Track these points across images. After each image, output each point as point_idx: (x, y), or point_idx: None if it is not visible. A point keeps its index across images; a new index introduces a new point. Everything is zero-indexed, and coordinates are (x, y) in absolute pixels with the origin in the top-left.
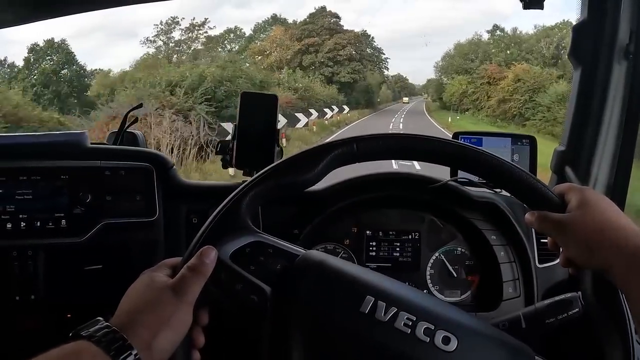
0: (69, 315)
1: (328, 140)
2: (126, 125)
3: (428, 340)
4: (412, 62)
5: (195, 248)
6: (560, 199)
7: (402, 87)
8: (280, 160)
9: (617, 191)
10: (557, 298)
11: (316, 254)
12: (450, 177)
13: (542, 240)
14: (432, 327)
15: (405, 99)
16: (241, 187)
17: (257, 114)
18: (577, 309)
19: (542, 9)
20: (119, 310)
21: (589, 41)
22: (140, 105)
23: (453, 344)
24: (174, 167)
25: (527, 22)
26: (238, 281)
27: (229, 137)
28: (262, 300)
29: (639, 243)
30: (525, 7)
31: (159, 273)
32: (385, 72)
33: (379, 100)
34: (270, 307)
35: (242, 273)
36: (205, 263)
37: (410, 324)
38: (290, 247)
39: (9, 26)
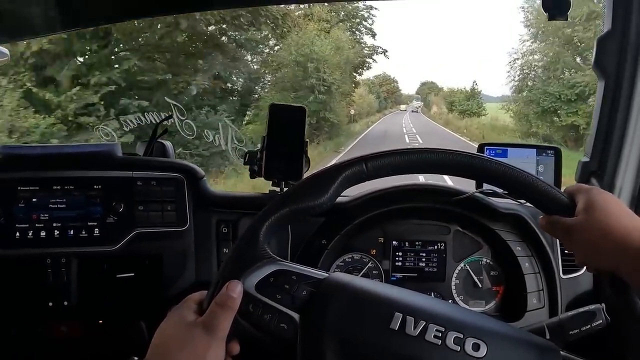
0: (100, 322)
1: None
2: (157, 136)
3: (459, 350)
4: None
5: (220, 282)
6: (570, 200)
7: (389, 92)
8: (292, 186)
9: None
10: (580, 310)
11: (340, 276)
12: (476, 188)
13: (566, 252)
14: (462, 336)
15: (402, 107)
16: (257, 217)
17: (286, 126)
18: (600, 321)
19: (567, 19)
20: (151, 349)
21: (613, 52)
22: (171, 116)
23: (483, 350)
24: (204, 177)
25: None
26: (266, 311)
27: (257, 148)
28: (292, 328)
29: None
30: (550, 18)
31: (187, 310)
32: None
33: (353, 113)
34: (301, 334)
35: (269, 303)
36: (233, 297)
37: (440, 335)
38: (313, 271)
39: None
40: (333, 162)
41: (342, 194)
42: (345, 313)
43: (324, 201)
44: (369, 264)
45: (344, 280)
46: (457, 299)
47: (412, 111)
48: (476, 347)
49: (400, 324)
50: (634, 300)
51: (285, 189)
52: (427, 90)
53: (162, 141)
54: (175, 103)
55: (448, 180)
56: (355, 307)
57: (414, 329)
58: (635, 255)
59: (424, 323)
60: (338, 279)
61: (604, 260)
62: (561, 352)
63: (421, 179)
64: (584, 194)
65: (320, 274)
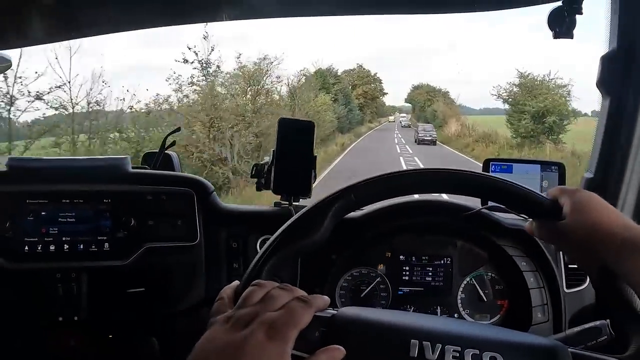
0: (110, 336)
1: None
2: (165, 147)
3: None
4: None
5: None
6: (554, 203)
7: (367, 97)
8: (284, 227)
9: None
10: (586, 326)
11: (348, 310)
12: (482, 204)
13: (570, 266)
14: (478, 352)
15: (391, 118)
16: (253, 263)
17: (295, 140)
18: (605, 336)
19: (572, 38)
20: None
21: (617, 71)
22: (179, 129)
23: None
24: (214, 192)
25: None
26: None
27: (264, 161)
28: None
29: (626, 234)
30: (556, 36)
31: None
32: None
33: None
34: None
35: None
36: (322, 297)
37: (458, 355)
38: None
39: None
40: None
41: None
42: (362, 349)
43: (318, 237)
44: (377, 279)
45: (353, 314)
46: (462, 312)
47: (404, 126)
48: None
49: (419, 351)
50: (622, 287)
51: (292, 206)
52: (426, 96)
53: (169, 152)
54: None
55: (444, 195)
56: (371, 341)
57: (432, 353)
58: (620, 248)
59: (441, 346)
60: (348, 314)
61: (594, 256)
62: (569, 349)
63: (428, 194)
64: (568, 196)
65: (328, 311)
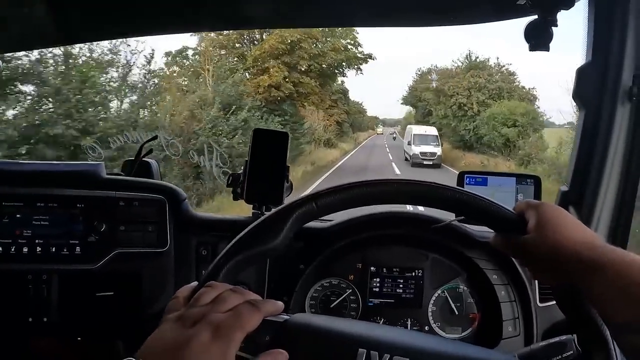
0: (79, 339)
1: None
2: (142, 155)
3: None
4: None
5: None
6: (520, 218)
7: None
8: (243, 232)
9: (620, 231)
10: (552, 340)
11: (300, 317)
12: (455, 217)
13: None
14: None
15: (380, 130)
16: (212, 266)
17: (268, 150)
18: (571, 352)
19: (548, 50)
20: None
21: (593, 83)
22: (156, 137)
23: None
24: (186, 199)
25: None
26: None
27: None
28: None
29: (589, 253)
30: (532, 49)
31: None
32: None
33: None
34: None
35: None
36: (274, 302)
37: None
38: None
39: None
40: None
41: (321, 219)
42: (309, 355)
43: (276, 244)
44: (348, 290)
45: (304, 320)
46: (433, 325)
47: (391, 134)
48: None
49: None
50: (584, 304)
51: (264, 213)
52: (431, 95)
53: (148, 160)
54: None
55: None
56: (319, 348)
57: None
58: (582, 266)
59: (388, 356)
60: (299, 320)
61: (558, 274)
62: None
63: (409, 207)
64: (533, 210)
65: (281, 317)
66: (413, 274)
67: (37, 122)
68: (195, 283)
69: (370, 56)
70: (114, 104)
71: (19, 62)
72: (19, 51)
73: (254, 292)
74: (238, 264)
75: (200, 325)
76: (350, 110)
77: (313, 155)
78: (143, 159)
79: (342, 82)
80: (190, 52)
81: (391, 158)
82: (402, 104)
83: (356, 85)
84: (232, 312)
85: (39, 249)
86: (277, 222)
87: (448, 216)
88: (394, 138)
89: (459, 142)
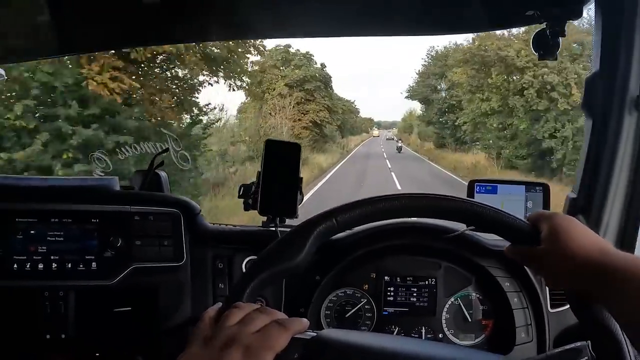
0: (97, 355)
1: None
2: (154, 167)
3: None
4: None
5: None
6: (533, 228)
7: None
8: (266, 250)
9: (627, 237)
10: (567, 347)
11: (327, 333)
12: (467, 226)
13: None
14: None
15: (375, 132)
16: (235, 287)
17: (281, 162)
18: (586, 357)
19: (556, 59)
20: None
21: (600, 93)
22: (167, 150)
23: None
24: (201, 212)
25: None
26: None
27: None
28: None
29: (602, 260)
30: (540, 58)
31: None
32: None
33: None
34: None
35: None
36: (300, 320)
37: None
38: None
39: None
40: None
41: None
42: None
43: (299, 261)
44: (362, 300)
45: (331, 337)
46: (447, 333)
47: (388, 139)
48: None
49: None
50: (599, 311)
51: (277, 229)
52: (469, 72)
53: (158, 172)
54: (170, 134)
55: None
56: None
57: None
58: (596, 273)
59: None
60: (326, 336)
61: (572, 281)
62: None
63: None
64: (546, 221)
65: (307, 333)
66: (426, 282)
67: None
68: (220, 304)
69: None
70: None
71: None
72: (19, 62)
73: (271, 305)
74: (262, 283)
75: (230, 347)
76: (334, 107)
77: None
78: (154, 170)
79: (323, 65)
80: None
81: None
82: (407, 97)
83: (345, 78)
84: (261, 333)
85: (54, 265)
86: (298, 239)
87: (460, 225)
88: (399, 148)
89: (531, 163)
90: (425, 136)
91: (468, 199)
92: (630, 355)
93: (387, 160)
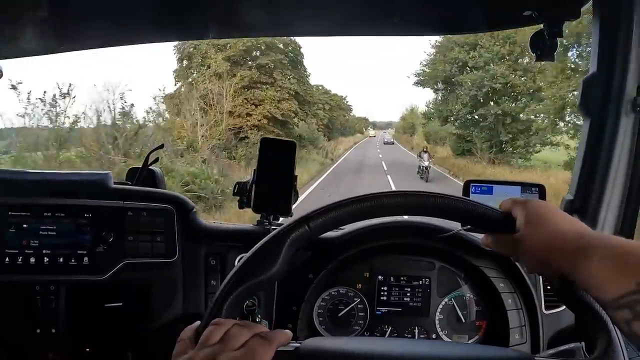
0: (87, 350)
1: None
2: (149, 164)
3: None
4: None
5: None
6: (507, 216)
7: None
8: (240, 264)
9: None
10: (560, 348)
11: (312, 343)
12: (461, 226)
13: (548, 287)
14: None
15: (372, 132)
16: (212, 304)
17: (276, 159)
18: (580, 358)
19: (553, 60)
20: None
21: (597, 94)
22: (162, 146)
23: None
24: (194, 209)
25: None
26: None
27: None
28: None
29: (580, 242)
30: (538, 59)
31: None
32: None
33: None
34: None
35: None
36: (283, 332)
37: None
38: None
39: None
40: None
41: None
42: None
43: (274, 272)
44: (355, 299)
45: (315, 345)
46: (440, 333)
47: (386, 142)
48: None
49: None
50: (581, 293)
51: (271, 224)
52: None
53: (153, 168)
54: None
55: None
56: None
57: None
58: (574, 255)
59: None
60: (310, 346)
61: (551, 265)
62: (535, 357)
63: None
64: (520, 207)
65: (291, 344)
66: (420, 282)
67: None
68: (198, 323)
69: None
70: None
71: None
72: (18, 57)
73: (263, 304)
74: (239, 297)
75: None
76: (308, 96)
77: None
78: (149, 167)
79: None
80: None
81: None
82: (415, 84)
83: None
84: (244, 349)
85: (46, 259)
86: (271, 250)
87: (455, 225)
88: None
89: None
90: (437, 139)
91: (440, 193)
92: (618, 337)
93: (388, 177)
